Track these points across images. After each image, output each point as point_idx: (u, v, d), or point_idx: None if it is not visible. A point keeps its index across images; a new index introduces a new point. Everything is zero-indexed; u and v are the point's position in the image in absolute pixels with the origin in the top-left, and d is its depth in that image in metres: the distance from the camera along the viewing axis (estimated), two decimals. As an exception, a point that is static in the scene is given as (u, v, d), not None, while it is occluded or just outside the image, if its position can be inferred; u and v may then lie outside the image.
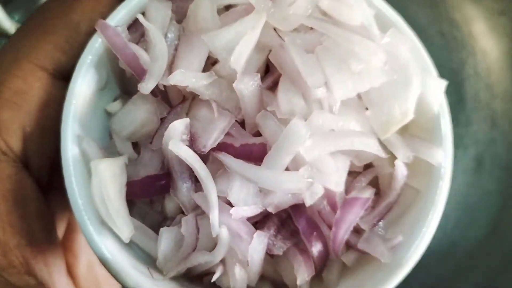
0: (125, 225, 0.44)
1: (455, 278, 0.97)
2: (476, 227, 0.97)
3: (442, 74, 0.49)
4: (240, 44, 0.42)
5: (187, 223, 0.44)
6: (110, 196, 0.43)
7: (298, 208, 0.47)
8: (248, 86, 0.43)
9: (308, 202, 0.45)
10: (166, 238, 0.45)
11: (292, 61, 0.43)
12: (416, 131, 0.50)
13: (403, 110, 0.45)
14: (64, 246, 0.57)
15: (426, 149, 0.47)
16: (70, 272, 0.57)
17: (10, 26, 0.82)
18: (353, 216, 0.46)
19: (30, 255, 0.45)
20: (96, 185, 0.43)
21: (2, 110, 0.45)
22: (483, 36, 0.98)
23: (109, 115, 0.50)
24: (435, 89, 0.47)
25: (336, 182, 0.45)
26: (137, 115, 0.46)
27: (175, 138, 0.43)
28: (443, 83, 0.47)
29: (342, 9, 0.45)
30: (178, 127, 0.43)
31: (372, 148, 0.45)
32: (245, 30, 0.43)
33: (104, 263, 0.43)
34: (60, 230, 0.57)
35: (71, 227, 0.58)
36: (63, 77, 0.46)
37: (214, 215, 0.43)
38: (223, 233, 0.43)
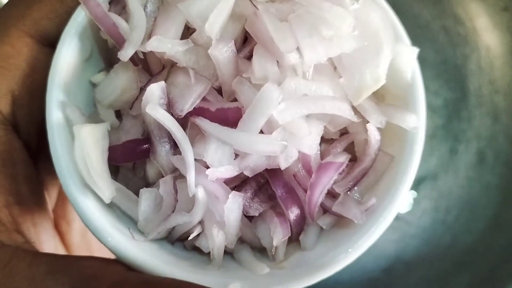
0: (106, 186, 0.45)
1: (456, 271, 0.97)
2: (477, 221, 0.97)
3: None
4: (214, 11, 0.44)
5: (165, 183, 0.46)
6: (92, 159, 0.45)
7: (275, 172, 0.48)
8: (222, 52, 0.45)
9: (283, 165, 0.46)
10: (146, 199, 0.47)
11: (265, 28, 0.45)
12: (392, 100, 0.51)
13: (374, 76, 0.47)
14: (57, 214, 0.59)
15: (399, 114, 0.48)
16: (63, 240, 0.58)
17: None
18: (327, 179, 0.47)
19: (18, 214, 0.47)
20: (78, 148, 0.45)
21: None
22: (486, 32, 0.98)
23: (94, 87, 0.51)
24: (407, 56, 0.48)
25: (309, 145, 0.47)
26: (118, 82, 0.48)
27: (153, 102, 0.44)
28: (415, 50, 0.49)
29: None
30: (154, 91, 0.44)
31: (344, 112, 0.46)
32: (220, -2, 0.45)
33: (86, 222, 0.45)
34: (52, 198, 0.59)
35: (63, 196, 0.60)
36: (49, 43, 0.48)
37: (191, 175, 0.44)
38: (199, 193, 0.45)
